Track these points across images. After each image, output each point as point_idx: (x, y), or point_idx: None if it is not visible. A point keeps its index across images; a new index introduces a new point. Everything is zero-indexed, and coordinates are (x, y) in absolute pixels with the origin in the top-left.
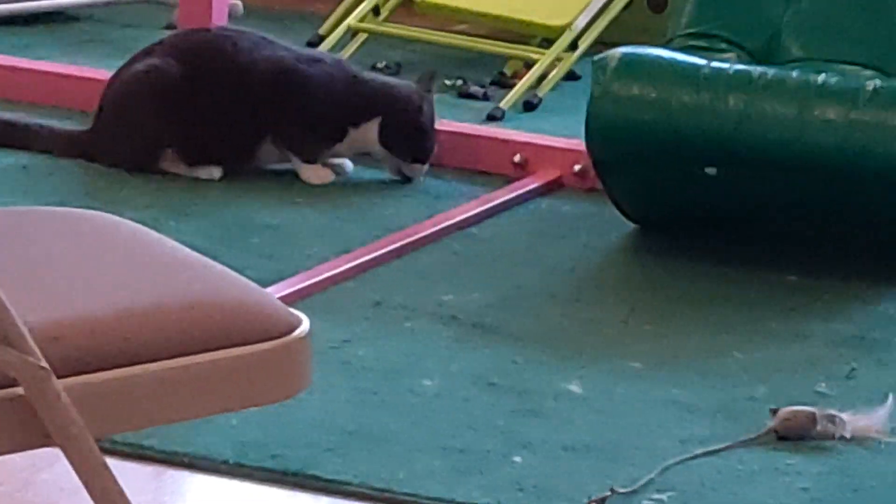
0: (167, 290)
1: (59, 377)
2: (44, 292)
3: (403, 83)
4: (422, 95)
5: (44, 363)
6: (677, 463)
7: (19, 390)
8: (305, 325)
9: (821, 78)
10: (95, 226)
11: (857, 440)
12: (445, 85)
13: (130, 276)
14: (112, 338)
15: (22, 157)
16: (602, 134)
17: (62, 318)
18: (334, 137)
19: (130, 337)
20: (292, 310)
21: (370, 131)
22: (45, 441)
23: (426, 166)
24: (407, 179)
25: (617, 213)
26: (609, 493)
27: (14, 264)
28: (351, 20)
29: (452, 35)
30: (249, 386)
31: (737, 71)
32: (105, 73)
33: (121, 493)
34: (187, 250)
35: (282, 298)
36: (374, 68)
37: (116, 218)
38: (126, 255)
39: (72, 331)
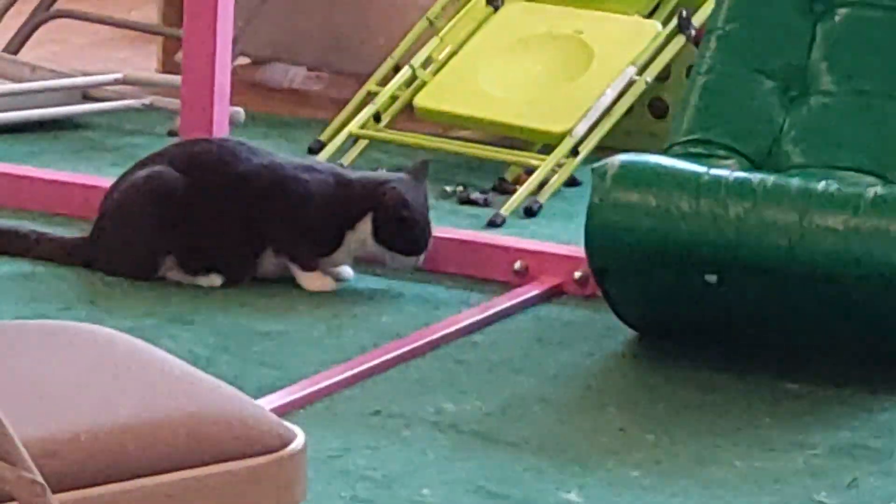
0: (159, 405)
1: (54, 492)
2: (39, 408)
3: (392, 176)
4: (410, 185)
5: (39, 478)
6: None
7: None
8: (300, 439)
9: (821, 185)
10: (89, 340)
11: None
12: (446, 191)
13: (124, 391)
14: (107, 453)
15: (24, 265)
16: (601, 241)
17: (57, 433)
18: (332, 244)
19: (124, 452)
20: (287, 423)
21: (365, 229)
22: None
23: (422, 257)
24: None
25: (617, 320)
26: None
27: (10, 380)
28: (352, 126)
29: (453, 141)
30: (243, 501)
31: (737, 178)
32: (106, 181)
33: None
34: (181, 363)
35: (281, 407)
36: None
37: (111, 331)
38: (120, 369)
39: (67, 446)
